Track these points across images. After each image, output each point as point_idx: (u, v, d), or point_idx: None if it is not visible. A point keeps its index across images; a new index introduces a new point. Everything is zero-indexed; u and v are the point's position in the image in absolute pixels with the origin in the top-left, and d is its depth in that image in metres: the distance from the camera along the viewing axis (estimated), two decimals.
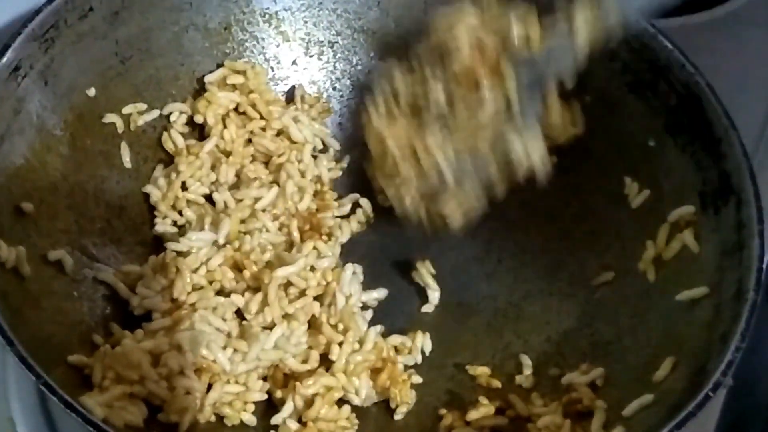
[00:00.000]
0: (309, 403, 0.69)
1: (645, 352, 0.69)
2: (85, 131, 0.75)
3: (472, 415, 0.71)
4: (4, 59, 0.68)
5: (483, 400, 0.72)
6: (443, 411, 0.72)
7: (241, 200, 0.77)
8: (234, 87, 0.82)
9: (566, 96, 0.71)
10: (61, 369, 0.63)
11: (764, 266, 0.66)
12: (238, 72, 0.82)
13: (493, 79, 0.68)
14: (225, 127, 0.81)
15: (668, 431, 0.58)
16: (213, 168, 0.79)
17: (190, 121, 0.82)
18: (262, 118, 0.82)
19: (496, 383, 0.74)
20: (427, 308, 0.78)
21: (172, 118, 0.81)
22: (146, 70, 0.80)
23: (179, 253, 0.74)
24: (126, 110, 0.78)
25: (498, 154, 0.70)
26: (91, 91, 0.76)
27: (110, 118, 0.77)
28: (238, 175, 0.80)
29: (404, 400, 0.71)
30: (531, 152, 0.70)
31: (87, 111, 0.76)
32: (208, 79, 0.82)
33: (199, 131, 0.82)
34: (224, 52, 0.83)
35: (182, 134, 0.81)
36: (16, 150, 0.69)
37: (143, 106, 0.79)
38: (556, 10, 0.68)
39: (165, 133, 0.80)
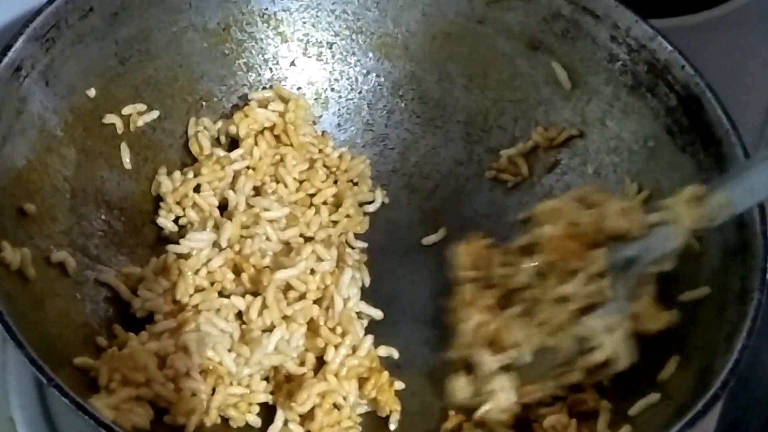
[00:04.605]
0: (310, 415, 0.69)
1: (649, 352, 0.69)
2: (86, 132, 0.75)
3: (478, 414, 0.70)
4: (6, 59, 0.67)
5: None
6: (450, 411, 0.71)
7: (251, 206, 0.77)
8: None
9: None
10: (65, 371, 0.63)
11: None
12: (282, 98, 0.83)
13: (584, 257, 0.66)
14: (256, 144, 0.81)
15: (678, 430, 0.59)
16: (233, 179, 0.79)
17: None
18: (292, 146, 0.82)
19: None
20: None
21: (205, 125, 0.81)
22: (145, 71, 0.79)
23: (180, 255, 0.74)
24: (126, 111, 0.78)
25: (577, 341, 0.67)
26: (91, 92, 0.75)
27: (110, 118, 0.76)
28: (256, 189, 0.79)
29: (392, 407, 0.71)
30: (611, 342, 0.66)
31: (87, 112, 0.75)
32: (252, 95, 0.83)
33: (228, 143, 0.82)
34: (223, 53, 0.83)
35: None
36: (18, 151, 0.68)
37: (143, 107, 0.79)
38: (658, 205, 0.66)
39: (192, 137, 0.80)
